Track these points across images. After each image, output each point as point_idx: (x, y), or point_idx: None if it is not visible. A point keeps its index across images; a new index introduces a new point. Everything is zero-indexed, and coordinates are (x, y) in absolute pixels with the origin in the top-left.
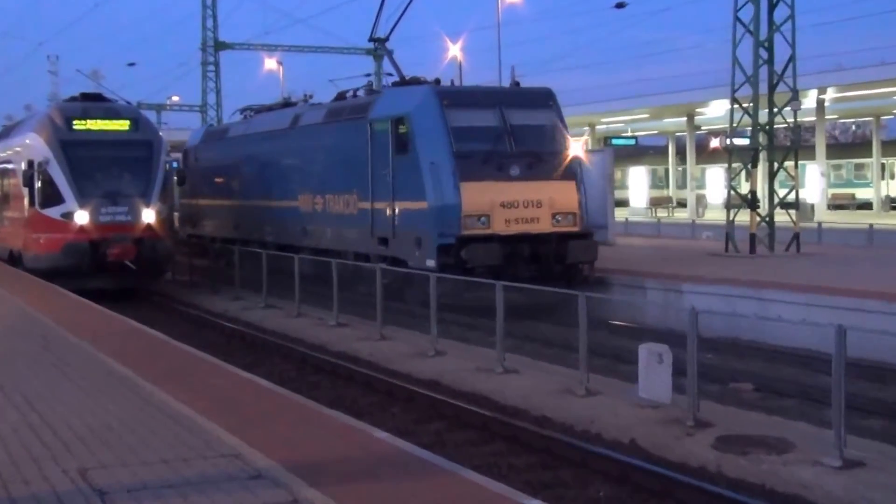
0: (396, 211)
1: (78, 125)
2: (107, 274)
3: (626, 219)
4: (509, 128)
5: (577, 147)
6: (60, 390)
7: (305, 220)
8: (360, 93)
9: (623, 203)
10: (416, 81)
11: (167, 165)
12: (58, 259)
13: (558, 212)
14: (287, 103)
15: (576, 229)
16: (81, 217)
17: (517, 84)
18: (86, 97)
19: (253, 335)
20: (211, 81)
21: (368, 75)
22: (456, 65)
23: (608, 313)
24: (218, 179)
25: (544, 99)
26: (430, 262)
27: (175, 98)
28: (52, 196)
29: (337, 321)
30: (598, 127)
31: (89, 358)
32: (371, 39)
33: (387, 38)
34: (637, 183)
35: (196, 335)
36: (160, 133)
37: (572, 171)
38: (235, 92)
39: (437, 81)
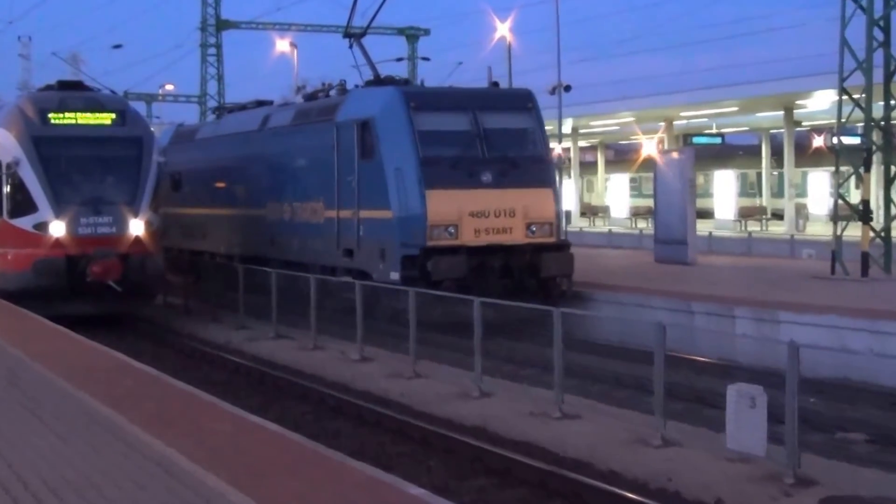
0: (361, 220)
1: (54, 119)
2: (87, 297)
3: (710, 233)
4: (482, 132)
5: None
6: (32, 436)
7: (273, 230)
8: (333, 93)
9: (706, 214)
10: (390, 81)
11: (159, 166)
12: (28, 279)
13: (533, 222)
14: (261, 103)
15: (552, 240)
16: (57, 228)
17: (495, 85)
18: (63, 86)
19: (261, 371)
20: (212, 67)
21: (401, 59)
22: (504, 47)
23: (685, 346)
24: (186, 186)
25: (522, 101)
26: (395, 275)
27: (169, 87)
28: (22, 203)
29: (361, 354)
30: (675, 122)
31: (66, 397)
32: (346, 35)
33: (364, 33)
34: (723, 190)
35: (193, 371)
36: (151, 128)
37: (549, 179)
38: (241, 79)
39: (406, 81)
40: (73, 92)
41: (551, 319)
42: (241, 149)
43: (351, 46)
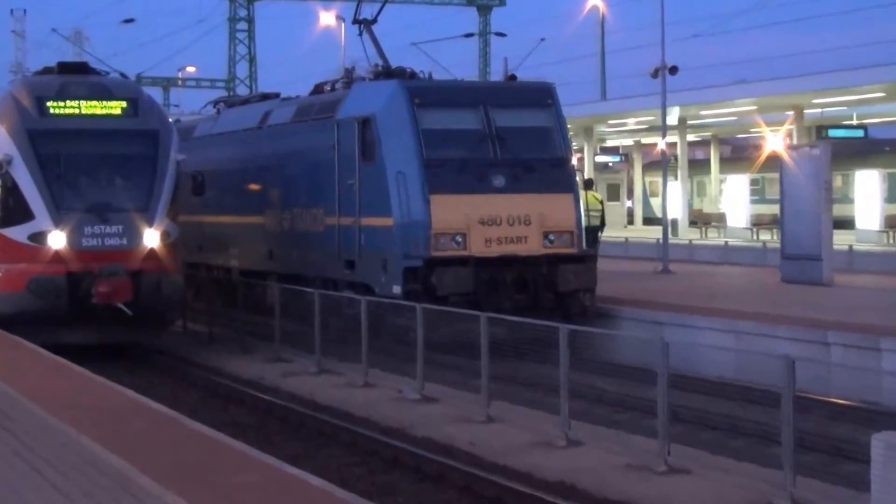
0: (362, 228)
1: (53, 108)
2: (91, 322)
3: (850, 247)
4: (494, 131)
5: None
6: (27, 488)
7: (272, 240)
8: (339, 85)
9: (845, 224)
10: (400, 73)
11: (178, 166)
12: (22, 300)
13: (551, 230)
14: (266, 96)
15: (572, 251)
16: (56, 240)
17: (512, 78)
18: (64, 68)
19: (300, 413)
20: (241, 46)
21: (469, 35)
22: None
23: (818, 385)
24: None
25: (541, 96)
26: (396, 289)
27: (190, 69)
28: (14, 210)
29: (422, 394)
30: (806, 112)
31: (66, 443)
32: (355, 21)
33: (374, 20)
34: (867, 194)
35: (218, 412)
36: (169, 119)
37: (569, 183)
38: (276, 61)
39: (412, 74)
40: (75, 76)
41: (645, 351)
42: (240, 149)
43: (360, 34)
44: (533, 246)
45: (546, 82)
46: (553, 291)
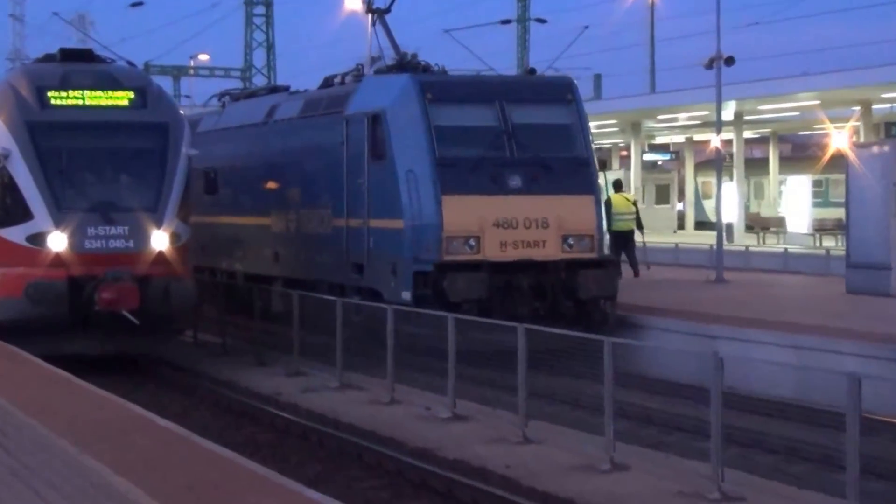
0: (371, 230)
1: (55, 99)
2: (94, 331)
3: None
4: (510, 128)
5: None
6: None
7: (277, 242)
8: (349, 79)
9: None
10: (413, 66)
11: (190, 161)
12: (19, 307)
13: (570, 234)
14: (275, 88)
15: (592, 256)
16: (56, 241)
17: (531, 72)
18: (67, 56)
19: (321, 432)
20: (259, 32)
21: (507, 21)
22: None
23: (888, 404)
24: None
25: (561, 91)
26: (406, 295)
27: (203, 57)
28: (12, 209)
29: (453, 412)
30: (874, 107)
31: (68, 463)
32: (368, 10)
33: (388, 9)
34: None
35: (231, 431)
36: (181, 111)
37: (590, 184)
38: (297, 49)
39: (426, 68)
40: (79, 64)
41: (696, 366)
42: (245, 145)
43: (374, 24)
44: (551, 250)
45: (566, 76)
46: (572, 299)
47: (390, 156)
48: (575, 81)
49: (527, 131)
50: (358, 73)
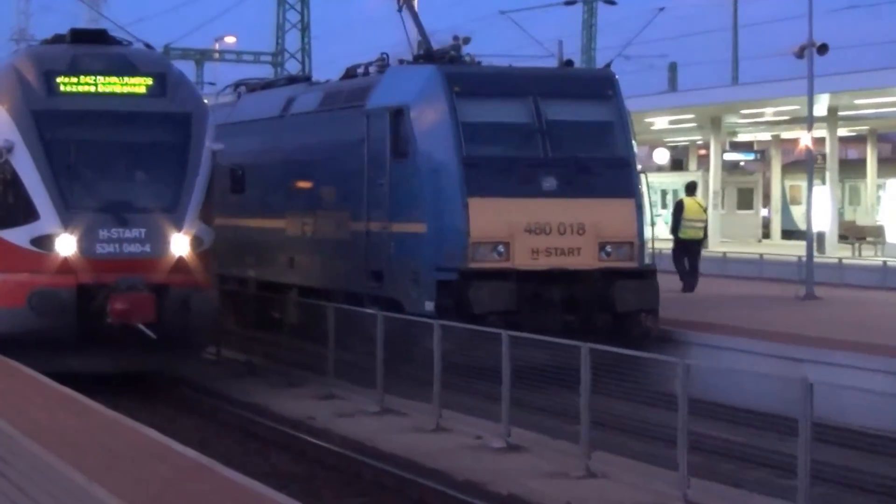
0: (392, 235)
1: (64, 85)
2: (105, 346)
3: None
4: (544, 125)
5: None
6: None
7: (292, 247)
8: (373, 69)
9: None
10: (442, 57)
11: (214, 157)
12: (22, 318)
13: (608, 241)
14: (293, 79)
15: (632, 265)
16: (64, 245)
17: (568, 64)
18: (78, 37)
19: (358, 462)
20: (292, 12)
21: (572, 2)
22: None
23: None
24: None
25: (600, 86)
26: (429, 305)
27: (229, 40)
28: (15, 208)
29: (507, 441)
30: None
31: (76, 494)
32: None
33: None
34: None
35: (257, 459)
36: (204, 100)
37: (631, 187)
38: (334, 31)
39: (454, 58)
40: (91, 47)
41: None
42: (259, 141)
43: (400, 10)
44: (586, 259)
45: (606, 69)
46: (609, 312)
47: (413, 154)
48: (616, 76)
49: (562, 129)
50: (382, 63)
